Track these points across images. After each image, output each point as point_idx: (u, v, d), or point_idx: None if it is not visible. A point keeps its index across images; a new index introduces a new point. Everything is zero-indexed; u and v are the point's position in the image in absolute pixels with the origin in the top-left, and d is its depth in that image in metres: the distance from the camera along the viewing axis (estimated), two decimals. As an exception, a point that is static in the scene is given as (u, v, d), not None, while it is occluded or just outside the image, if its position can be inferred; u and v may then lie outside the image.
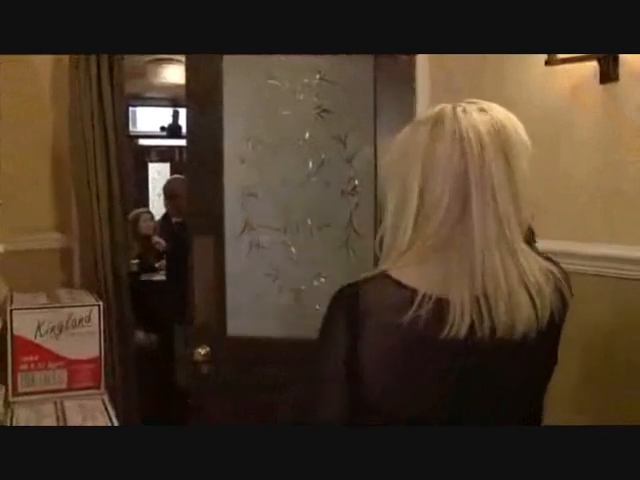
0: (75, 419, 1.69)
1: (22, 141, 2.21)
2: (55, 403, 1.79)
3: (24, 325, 1.83)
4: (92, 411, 1.74)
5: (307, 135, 1.96)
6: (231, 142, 1.98)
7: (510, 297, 0.89)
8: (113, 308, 2.30)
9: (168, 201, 3.72)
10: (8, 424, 1.64)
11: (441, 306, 0.89)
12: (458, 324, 0.88)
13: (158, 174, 6.24)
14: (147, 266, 3.65)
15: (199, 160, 2.00)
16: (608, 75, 1.43)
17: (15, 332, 1.81)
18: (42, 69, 2.28)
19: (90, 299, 2.00)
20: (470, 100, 0.95)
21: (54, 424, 1.65)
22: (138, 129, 6.08)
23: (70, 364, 1.86)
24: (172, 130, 5.93)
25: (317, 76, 1.95)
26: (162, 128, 6.00)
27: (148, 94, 5.50)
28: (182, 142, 5.98)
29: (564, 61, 1.47)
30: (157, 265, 3.72)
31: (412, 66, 1.90)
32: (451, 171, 0.90)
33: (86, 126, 2.25)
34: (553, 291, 0.94)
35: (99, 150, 2.27)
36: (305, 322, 1.96)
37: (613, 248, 1.42)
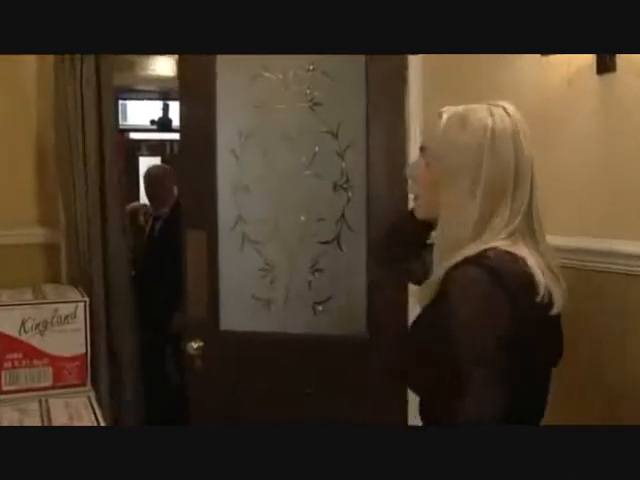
0: (61, 417, 1.65)
1: (6, 135, 2.17)
2: (40, 401, 1.75)
3: (8, 321, 1.79)
4: (78, 409, 1.70)
5: (300, 128, 1.95)
6: (224, 135, 1.98)
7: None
8: (101, 304, 2.26)
9: (148, 190, 3.54)
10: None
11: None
12: (544, 292, 1.01)
13: (149, 168, 6.19)
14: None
15: (192, 154, 2.01)
16: (605, 65, 1.41)
17: (-1, 329, 1.77)
18: (26, 63, 2.23)
19: (76, 295, 1.96)
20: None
21: (38, 422, 1.61)
22: (128, 123, 6.03)
23: (55, 361, 1.83)
24: (162, 123, 5.88)
25: (310, 67, 1.93)
26: (152, 122, 5.95)
27: (137, 87, 5.45)
28: (172, 136, 5.95)
29: (560, 51, 1.45)
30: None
31: (404, 58, 1.87)
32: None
33: (71, 119, 2.20)
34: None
35: (84, 143, 2.22)
36: (298, 317, 1.97)
37: (612, 243, 1.40)
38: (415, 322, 1.18)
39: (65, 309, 1.84)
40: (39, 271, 2.26)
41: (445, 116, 1.13)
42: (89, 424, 1.60)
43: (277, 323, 1.99)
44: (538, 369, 1.08)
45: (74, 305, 1.85)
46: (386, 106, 1.88)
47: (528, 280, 1.02)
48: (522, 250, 1.06)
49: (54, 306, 1.84)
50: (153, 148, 6.30)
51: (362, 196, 1.91)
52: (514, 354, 0.97)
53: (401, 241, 1.35)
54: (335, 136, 1.92)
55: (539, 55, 1.50)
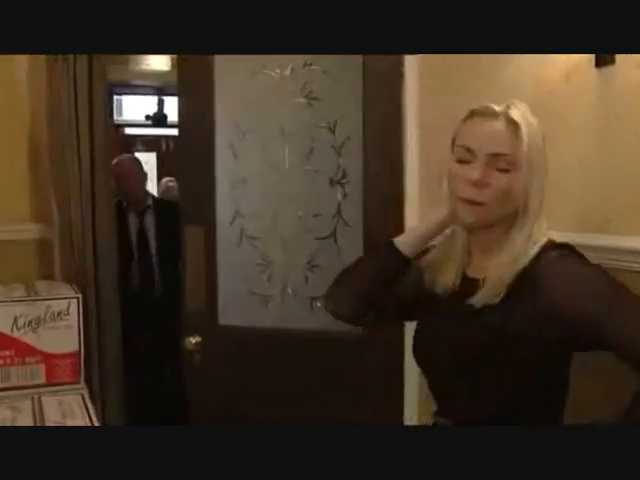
0: (54, 415, 1.63)
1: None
2: (33, 399, 1.73)
3: (0, 318, 1.77)
4: (71, 407, 1.68)
5: (297, 123, 1.95)
6: (222, 131, 1.98)
7: None
8: (94, 301, 2.24)
9: (118, 184, 3.18)
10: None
11: None
12: None
13: (145, 164, 6.15)
14: None
15: (190, 149, 2.02)
16: (604, 58, 1.39)
17: (-9, 326, 1.75)
18: (19, 60, 2.20)
19: (69, 291, 1.94)
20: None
21: (31, 421, 1.59)
22: (124, 118, 6.00)
23: (48, 359, 1.81)
24: (157, 119, 5.86)
25: (307, 63, 1.92)
26: (147, 117, 5.93)
27: (132, 81, 5.42)
28: (168, 131, 5.92)
29: (559, 44, 1.43)
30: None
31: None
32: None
33: (64, 115, 2.18)
34: None
35: (78, 140, 2.20)
36: (295, 312, 1.97)
37: (610, 238, 1.38)
38: (474, 321, 1.11)
39: (58, 305, 1.82)
40: (32, 267, 2.24)
41: (522, 123, 1.11)
42: (82, 422, 1.58)
43: (275, 318, 1.99)
44: None
45: (67, 301, 1.83)
46: (383, 102, 1.87)
47: None
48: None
49: (47, 303, 1.82)
50: (148, 143, 6.27)
51: (358, 192, 1.90)
52: None
53: (387, 296, 1.25)
54: (332, 131, 1.91)
55: (538, 48, 1.48)
